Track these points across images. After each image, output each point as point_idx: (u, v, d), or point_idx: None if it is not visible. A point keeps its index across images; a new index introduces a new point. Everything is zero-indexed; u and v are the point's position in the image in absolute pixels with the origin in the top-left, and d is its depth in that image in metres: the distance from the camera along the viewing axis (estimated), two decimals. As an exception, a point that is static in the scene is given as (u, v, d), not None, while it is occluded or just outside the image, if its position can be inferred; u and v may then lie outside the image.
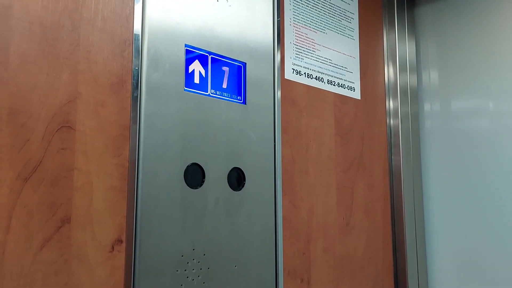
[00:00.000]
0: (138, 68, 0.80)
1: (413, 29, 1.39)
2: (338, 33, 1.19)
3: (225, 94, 0.91)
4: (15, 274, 0.64)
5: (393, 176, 1.28)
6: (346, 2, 1.23)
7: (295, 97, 1.06)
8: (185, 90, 0.85)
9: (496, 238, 1.19)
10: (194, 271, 0.82)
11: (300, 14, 1.10)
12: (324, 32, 1.16)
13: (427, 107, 1.35)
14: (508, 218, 1.17)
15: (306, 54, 1.10)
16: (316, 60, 1.13)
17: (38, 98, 0.68)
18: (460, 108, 1.29)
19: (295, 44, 1.08)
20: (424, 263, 1.29)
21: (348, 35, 1.22)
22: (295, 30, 1.09)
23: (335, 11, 1.20)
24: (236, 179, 0.91)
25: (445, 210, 1.29)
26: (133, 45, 0.79)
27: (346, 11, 1.22)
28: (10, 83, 0.66)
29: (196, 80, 0.87)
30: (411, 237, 1.26)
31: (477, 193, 1.23)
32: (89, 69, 0.74)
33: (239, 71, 0.94)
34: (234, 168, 0.90)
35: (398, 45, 1.33)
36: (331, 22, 1.18)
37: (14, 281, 0.64)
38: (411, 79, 1.35)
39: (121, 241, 0.75)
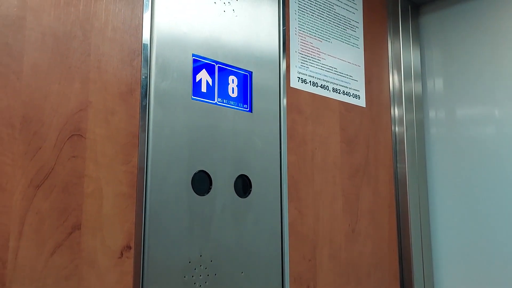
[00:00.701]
0: (147, 77, 0.81)
1: (418, 37, 1.40)
2: (343, 41, 1.21)
3: (232, 103, 0.93)
4: (27, 278, 0.65)
5: (399, 183, 1.28)
6: (350, 11, 1.24)
7: (301, 105, 1.07)
8: (192, 98, 0.86)
9: (503, 243, 1.19)
10: (201, 277, 0.83)
11: (305, 24, 1.12)
12: (329, 41, 1.17)
13: (432, 114, 1.36)
14: (514, 225, 1.18)
15: (312, 63, 1.12)
16: (321, 69, 1.14)
17: (50, 106, 0.70)
18: (465, 115, 1.30)
19: (300, 53, 1.09)
20: (430, 270, 1.29)
21: (353, 43, 1.23)
22: (301, 39, 1.10)
23: (340, 20, 1.21)
24: (243, 186, 0.92)
25: (451, 216, 1.29)
26: (142, 55, 0.81)
27: (350, 20, 1.24)
28: (23, 92, 0.68)
29: (203, 88, 0.89)
30: (417, 244, 1.26)
31: (483, 199, 1.23)
32: (100, 78, 0.76)
33: (245, 80, 0.96)
34: (241, 175, 0.92)
35: (403, 53, 1.33)
36: (336, 31, 1.19)
37: (26, 286, 0.65)
38: (416, 87, 1.36)
39: (130, 247, 0.76)
